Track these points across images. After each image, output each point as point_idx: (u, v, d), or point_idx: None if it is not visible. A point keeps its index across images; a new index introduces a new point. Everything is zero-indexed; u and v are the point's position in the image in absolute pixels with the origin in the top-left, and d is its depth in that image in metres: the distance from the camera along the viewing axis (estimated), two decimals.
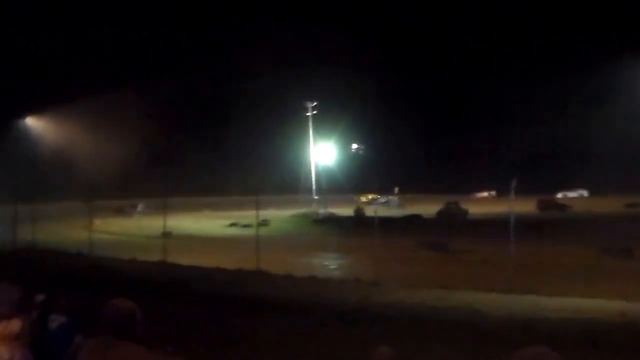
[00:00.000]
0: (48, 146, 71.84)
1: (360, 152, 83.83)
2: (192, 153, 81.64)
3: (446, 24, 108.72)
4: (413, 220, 46.65)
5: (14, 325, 3.53)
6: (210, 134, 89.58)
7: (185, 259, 22.75)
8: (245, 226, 41.49)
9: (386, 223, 29.00)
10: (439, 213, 52.45)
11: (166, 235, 26.76)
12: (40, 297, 6.40)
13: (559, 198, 68.64)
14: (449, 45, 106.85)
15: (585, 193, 79.16)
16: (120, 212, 58.11)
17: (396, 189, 72.71)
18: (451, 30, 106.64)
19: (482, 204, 58.42)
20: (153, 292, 14.25)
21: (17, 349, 3.45)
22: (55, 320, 6.19)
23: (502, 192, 67.31)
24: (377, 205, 38.30)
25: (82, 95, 70.73)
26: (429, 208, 54.54)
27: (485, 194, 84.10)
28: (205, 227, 45.88)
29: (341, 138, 76.94)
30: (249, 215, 38.44)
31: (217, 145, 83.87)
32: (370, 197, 71.14)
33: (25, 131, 70.90)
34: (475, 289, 16.49)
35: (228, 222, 47.92)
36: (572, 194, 75.95)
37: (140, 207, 60.50)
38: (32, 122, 72.64)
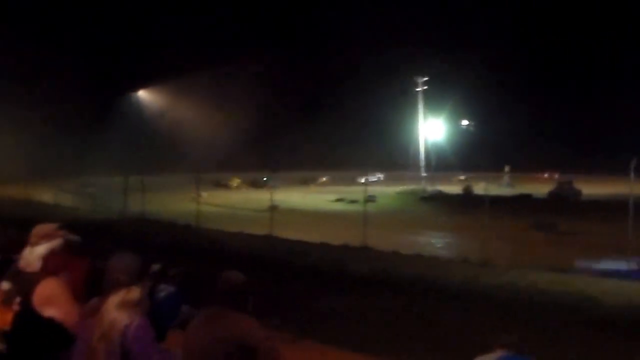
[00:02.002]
0: (159, 119, 74.30)
1: (471, 128, 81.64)
2: (302, 129, 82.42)
3: None
4: (523, 200, 45.18)
5: (134, 292, 3.70)
6: (320, 110, 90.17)
7: (291, 233, 22.92)
8: (351, 202, 41.64)
9: (495, 202, 28.16)
10: (551, 193, 50.58)
11: (273, 208, 26.89)
12: (155, 267, 6.69)
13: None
14: (564, 18, 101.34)
15: (382, 177, 71.53)
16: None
17: (507, 168, 70.51)
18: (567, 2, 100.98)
19: (595, 184, 55.31)
20: (259, 265, 14.57)
21: (135, 315, 3.62)
22: (164, 290, 6.46)
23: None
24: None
25: (193, 69, 72.56)
26: (540, 187, 52.70)
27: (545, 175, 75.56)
28: (312, 201, 46.20)
29: (451, 114, 75.31)
30: (356, 191, 38.55)
31: (327, 120, 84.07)
32: (238, 181, 67.19)
33: (138, 104, 73.46)
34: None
35: (335, 197, 47.97)
36: (372, 178, 67.97)
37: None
38: (144, 95, 75.30)
